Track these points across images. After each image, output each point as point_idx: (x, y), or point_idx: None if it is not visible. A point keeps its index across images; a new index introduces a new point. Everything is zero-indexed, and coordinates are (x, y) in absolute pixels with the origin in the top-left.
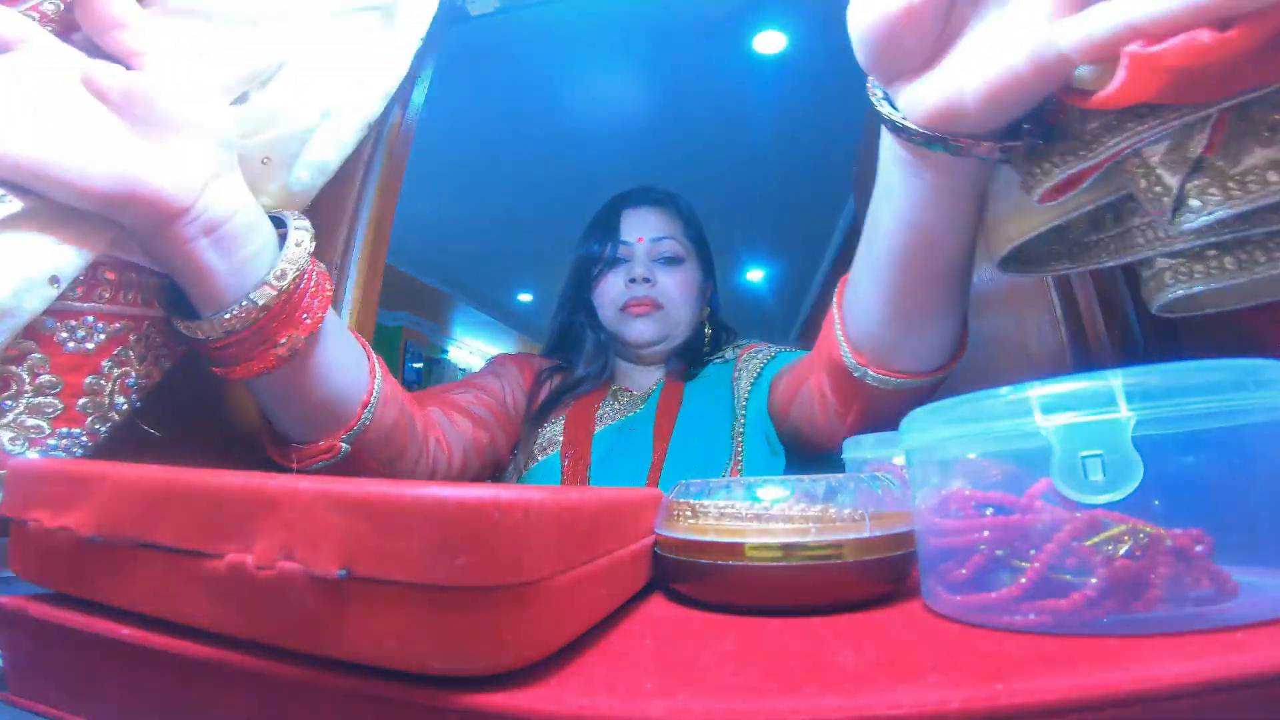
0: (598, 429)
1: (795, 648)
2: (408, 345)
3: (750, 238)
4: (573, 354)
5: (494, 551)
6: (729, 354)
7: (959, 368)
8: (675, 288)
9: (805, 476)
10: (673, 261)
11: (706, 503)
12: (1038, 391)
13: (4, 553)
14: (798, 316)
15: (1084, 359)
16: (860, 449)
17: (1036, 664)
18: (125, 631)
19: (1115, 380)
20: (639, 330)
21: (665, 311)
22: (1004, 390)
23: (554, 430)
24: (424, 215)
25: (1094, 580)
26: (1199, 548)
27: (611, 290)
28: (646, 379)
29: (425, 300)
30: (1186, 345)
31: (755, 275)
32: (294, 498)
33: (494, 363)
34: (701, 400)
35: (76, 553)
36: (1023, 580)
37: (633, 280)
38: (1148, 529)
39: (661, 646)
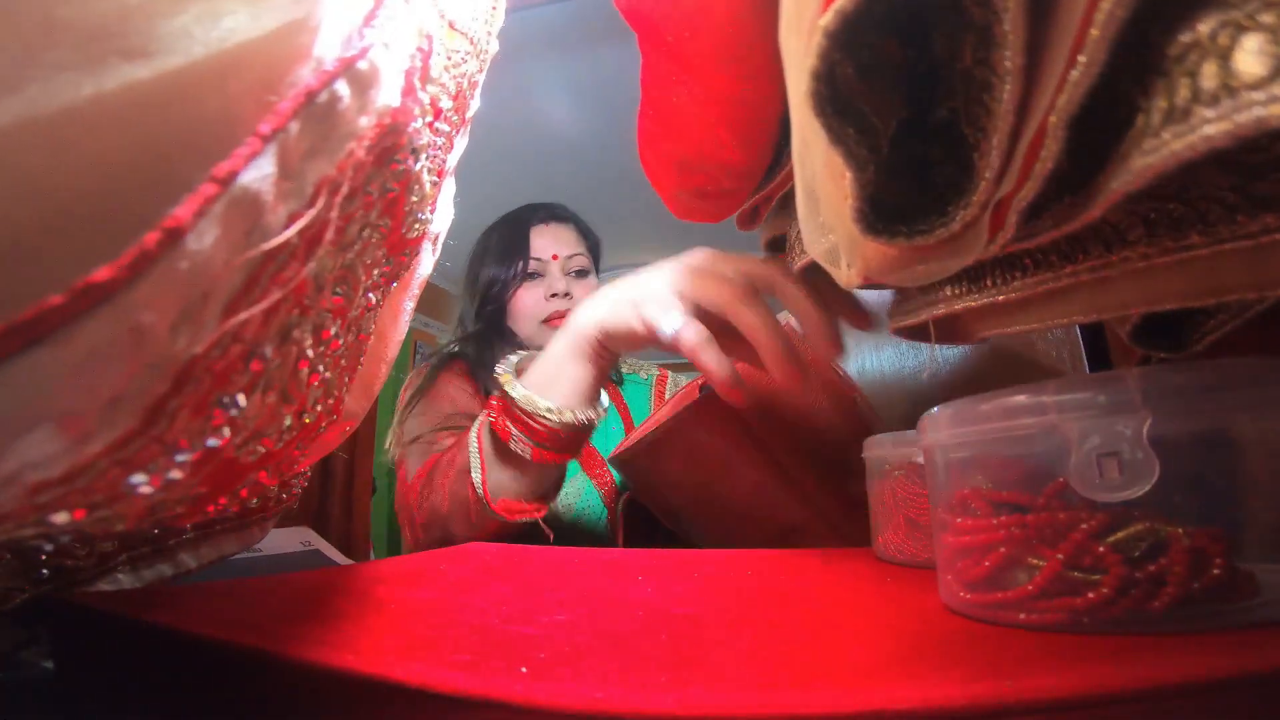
0: None
1: (808, 642)
2: (417, 345)
3: (755, 236)
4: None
5: None
6: (643, 373)
7: (975, 367)
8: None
9: None
10: (582, 274)
11: None
12: (1054, 391)
13: None
14: None
15: (1100, 357)
16: (880, 448)
17: (1051, 661)
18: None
19: (1131, 378)
20: None
21: None
22: (1021, 390)
23: None
24: None
25: (1110, 579)
26: (1217, 546)
27: (529, 305)
28: None
29: (434, 301)
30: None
31: None
32: None
33: (438, 398)
34: (636, 411)
35: None
36: (1039, 578)
37: (554, 295)
38: (1165, 527)
39: (675, 640)
